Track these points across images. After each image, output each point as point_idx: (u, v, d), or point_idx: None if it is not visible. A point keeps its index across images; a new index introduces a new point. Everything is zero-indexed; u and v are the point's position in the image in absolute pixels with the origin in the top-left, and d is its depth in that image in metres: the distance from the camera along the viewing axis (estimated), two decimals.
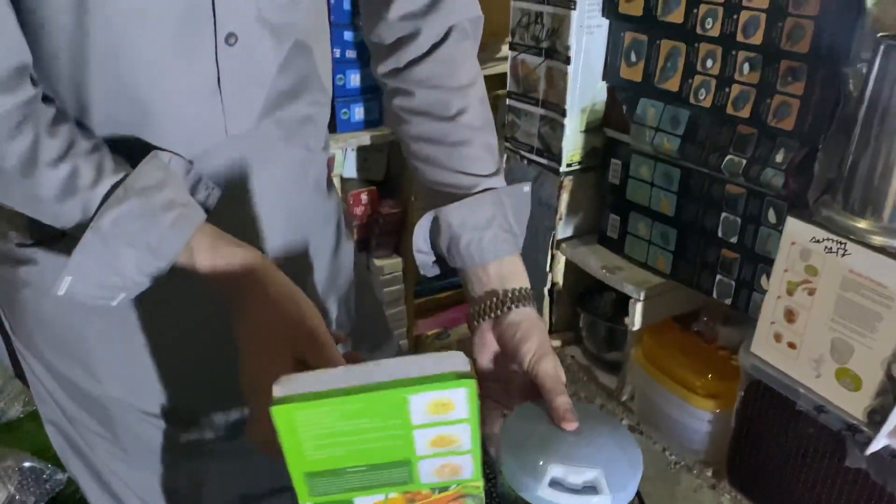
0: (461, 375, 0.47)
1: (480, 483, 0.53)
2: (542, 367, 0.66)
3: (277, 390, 0.47)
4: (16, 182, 0.59)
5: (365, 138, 1.64)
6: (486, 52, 2.02)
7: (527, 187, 0.74)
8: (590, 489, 0.64)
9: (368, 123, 1.66)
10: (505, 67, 1.15)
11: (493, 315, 0.70)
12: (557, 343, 1.20)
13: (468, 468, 0.51)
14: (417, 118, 0.74)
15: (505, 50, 1.13)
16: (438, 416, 0.48)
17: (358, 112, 1.65)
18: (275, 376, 0.57)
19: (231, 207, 0.71)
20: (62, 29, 0.59)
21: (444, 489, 0.53)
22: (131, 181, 0.60)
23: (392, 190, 1.84)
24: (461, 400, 0.47)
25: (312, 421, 0.47)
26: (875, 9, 0.77)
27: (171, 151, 0.64)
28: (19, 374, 0.84)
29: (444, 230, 0.71)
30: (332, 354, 0.62)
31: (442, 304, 1.93)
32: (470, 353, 0.70)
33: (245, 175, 0.72)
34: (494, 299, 0.69)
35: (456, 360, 0.47)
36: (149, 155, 0.62)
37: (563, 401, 0.63)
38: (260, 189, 0.73)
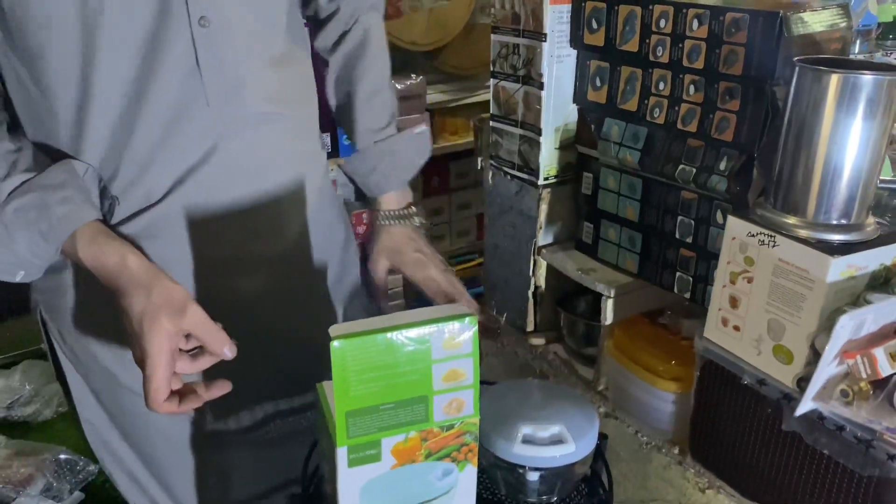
0: (469, 316, 0.60)
1: (477, 420, 0.64)
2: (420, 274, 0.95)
3: (333, 331, 0.57)
4: None
5: None
6: (478, 81, 2.16)
7: (418, 129, 0.98)
8: (556, 441, 0.76)
9: None
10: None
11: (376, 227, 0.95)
12: (541, 341, 1.31)
13: (469, 403, 0.63)
14: (334, 90, 0.98)
15: None
16: (450, 350, 0.59)
17: None
18: (169, 348, 0.68)
19: (247, 208, 0.83)
20: (70, 26, 0.70)
21: (450, 427, 0.63)
22: (38, 179, 0.70)
23: None
24: (469, 336, 0.60)
25: (360, 354, 0.57)
26: (795, 35, 0.90)
27: (86, 163, 0.74)
28: (62, 380, 0.95)
29: (349, 175, 0.97)
30: (212, 324, 0.71)
31: None
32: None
33: (258, 178, 0.83)
34: (375, 218, 0.95)
35: (463, 308, 0.61)
36: (62, 160, 0.73)
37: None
38: (272, 190, 0.84)
